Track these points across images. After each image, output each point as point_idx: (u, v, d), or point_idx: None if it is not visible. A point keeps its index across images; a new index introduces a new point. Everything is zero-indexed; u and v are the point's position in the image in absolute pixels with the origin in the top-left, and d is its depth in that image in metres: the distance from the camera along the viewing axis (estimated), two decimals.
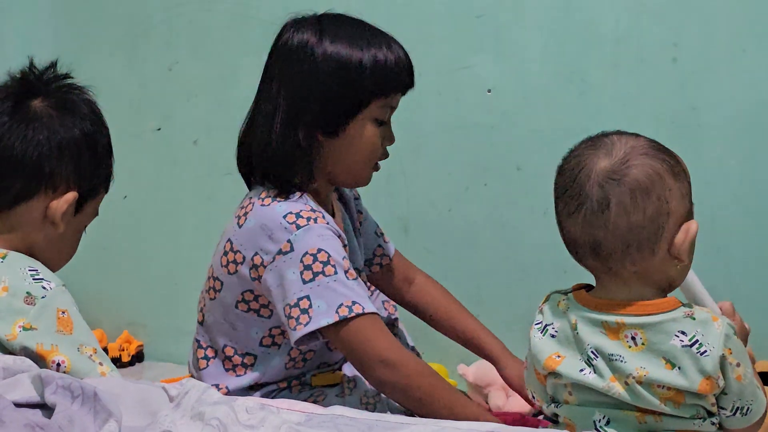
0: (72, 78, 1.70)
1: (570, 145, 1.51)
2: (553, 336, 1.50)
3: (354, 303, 1.72)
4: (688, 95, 2.41)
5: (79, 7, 2.83)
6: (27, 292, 1.54)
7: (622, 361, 1.44)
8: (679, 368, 1.42)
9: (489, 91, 2.54)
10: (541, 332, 1.52)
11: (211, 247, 1.92)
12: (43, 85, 1.66)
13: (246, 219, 1.79)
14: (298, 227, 1.74)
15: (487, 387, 2.49)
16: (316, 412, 1.45)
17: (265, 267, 1.76)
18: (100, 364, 1.55)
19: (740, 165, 2.41)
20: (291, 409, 1.45)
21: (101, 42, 2.82)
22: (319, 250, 1.73)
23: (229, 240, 1.82)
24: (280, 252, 1.74)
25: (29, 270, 1.57)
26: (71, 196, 1.63)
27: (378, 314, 1.77)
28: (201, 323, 1.91)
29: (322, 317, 1.71)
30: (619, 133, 1.50)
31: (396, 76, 1.81)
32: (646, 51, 2.42)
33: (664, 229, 1.45)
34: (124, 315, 2.91)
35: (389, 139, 1.85)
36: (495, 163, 2.57)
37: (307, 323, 1.71)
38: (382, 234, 2.09)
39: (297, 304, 1.72)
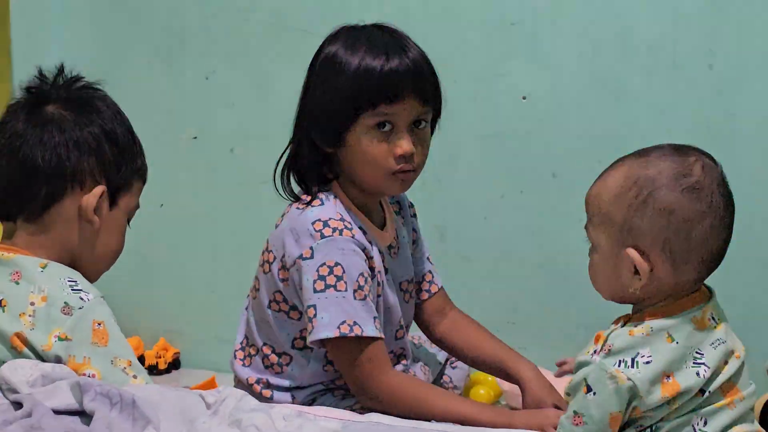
0: (82, 79, 1.71)
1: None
2: (647, 363, 1.48)
3: (355, 324, 1.74)
4: (725, 102, 2.39)
5: (117, 17, 2.85)
6: (65, 302, 1.55)
7: (722, 342, 1.52)
8: None
9: (524, 98, 2.54)
10: (633, 366, 1.48)
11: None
12: (55, 91, 1.68)
13: (282, 221, 1.84)
14: (323, 236, 1.76)
15: None
16: (352, 420, 1.46)
17: (287, 269, 1.80)
18: (134, 376, 1.55)
19: None
20: (328, 417, 1.46)
21: (139, 51, 2.84)
22: (336, 264, 1.75)
23: (267, 240, 1.87)
24: (301, 257, 1.77)
25: (68, 281, 1.58)
26: (99, 190, 1.64)
27: (380, 339, 1.78)
28: (247, 321, 1.95)
29: (324, 330, 1.74)
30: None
31: (379, 87, 1.75)
32: (682, 57, 2.41)
33: None
34: (161, 322, 2.92)
35: (399, 146, 1.78)
36: (530, 170, 2.56)
37: (311, 332, 1.76)
38: (432, 262, 2.09)
39: (306, 311, 1.77)
